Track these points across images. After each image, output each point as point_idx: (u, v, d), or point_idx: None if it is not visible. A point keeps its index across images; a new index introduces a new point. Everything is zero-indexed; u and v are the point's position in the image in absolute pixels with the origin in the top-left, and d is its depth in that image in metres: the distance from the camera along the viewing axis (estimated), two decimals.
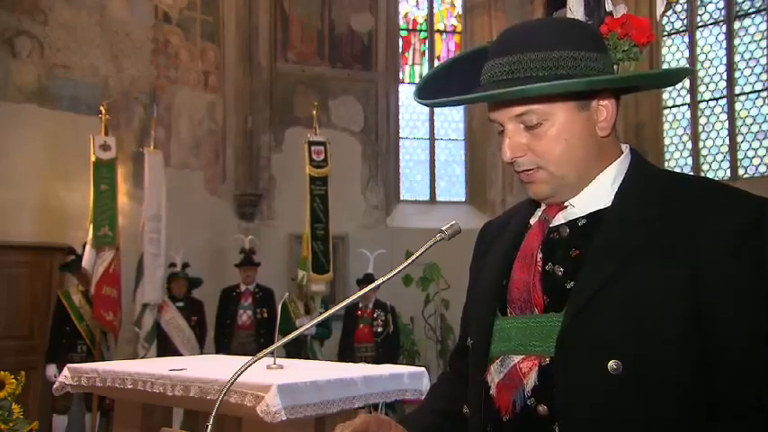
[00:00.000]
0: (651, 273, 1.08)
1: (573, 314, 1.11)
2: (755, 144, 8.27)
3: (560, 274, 1.17)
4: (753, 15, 8.40)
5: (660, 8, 1.36)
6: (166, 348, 6.43)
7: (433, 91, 1.26)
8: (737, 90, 8.44)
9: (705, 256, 1.06)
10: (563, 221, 1.22)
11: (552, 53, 1.13)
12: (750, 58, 8.38)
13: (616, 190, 1.19)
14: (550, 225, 1.24)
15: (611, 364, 1.06)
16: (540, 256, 1.21)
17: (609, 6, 1.25)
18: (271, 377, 3.15)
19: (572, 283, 1.14)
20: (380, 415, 1.28)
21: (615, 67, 1.23)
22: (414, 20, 10.51)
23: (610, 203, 1.18)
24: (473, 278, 1.40)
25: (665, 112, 9.00)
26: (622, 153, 1.24)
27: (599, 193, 1.20)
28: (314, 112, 7.12)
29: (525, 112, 1.16)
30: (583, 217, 1.20)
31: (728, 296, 1.05)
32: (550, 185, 1.20)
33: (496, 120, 1.20)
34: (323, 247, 6.73)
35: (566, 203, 1.23)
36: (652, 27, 1.23)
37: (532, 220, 1.29)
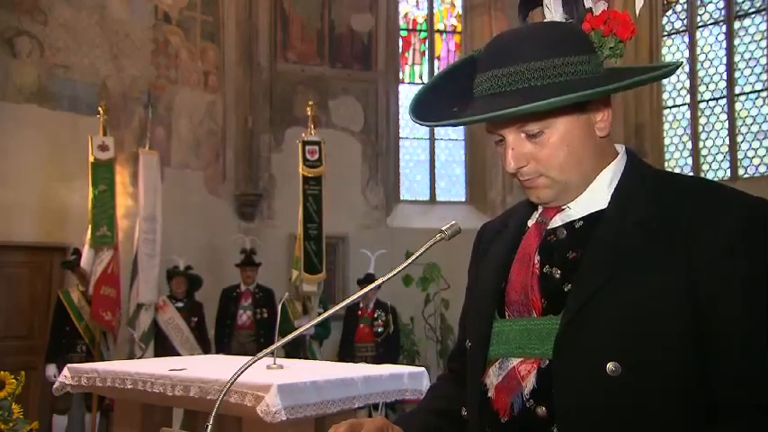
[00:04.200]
0: (648, 274, 1.08)
1: (571, 316, 1.11)
2: (755, 144, 8.27)
3: (558, 276, 1.17)
4: (753, 15, 8.41)
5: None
6: (165, 348, 6.43)
7: (429, 107, 1.24)
8: (737, 90, 8.44)
9: (702, 256, 1.06)
10: (560, 223, 1.22)
11: (546, 62, 1.13)
12: (750, 58, 8.39)
13: (613, 191, 1.19)
14: (548, 227, 1.24)
15: (610, 365, 1.06)
16: (537, 258, 1.21)
17: (588, 3, 1.25)
18: (271, 377, 3.15)
19: (569, 285, 1.14)
20: (379, 418, 1.27)
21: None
22: (414, 20, 10.51)
23: (606, 205, 1.18)
24: (471, 280, 1.40)
25: (665, 112, 9.00)
26: (618, 154, 1.24)
27: (596, 195, 1.20)
28: (309, 111, 7.09)
29: (527, 123, 1.16)
30: (580, 219, 1.20)
31: (726, 297, 1.05)
32: (553, 190, 1.20)
33: (495, 131, 1.20)
34: (315, 248, 6.72)
35: (562, 206, 1.23)
36: (633, 21, 1.22)
37: (530, 222, 1.29)
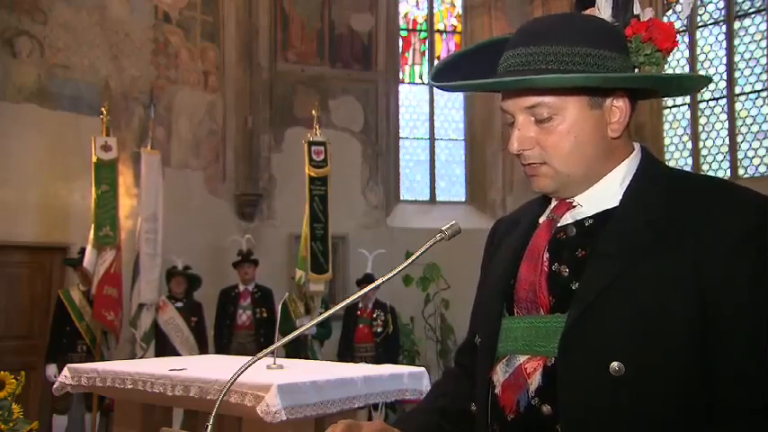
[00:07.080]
0: (656, 274, 1.07)
1: (576, 315, 1.10)
2: (755, 144, 8.27)
3: (566, 274, 1.16)
4: (753, 15, 8.40)
5: (687, 10, 1.34)
6: (165, 348, 6.43)
7: (450, 76, 1.25)
8: (737, 90, 8.44)
9: (709, 257, 1.06)
10: (570, 221, 1.22)
11: (570, 48, 1.13)
12: (750, 58, 8.38)
13: (624, 189, 1.18)
14: (558, 224, 1.23)
15: (614, 365, 1.06)
16: (546, 255, 1.20)
17: (637, 9, 1.24)
18: (271, 377, 3.15)
19: (577, 283, 1.13)
20: (377, 422, 1.27)
21: (636, 70, 1.21)
22: (414, 20, 10.51)
23: (617, 203, 1.18)
24: (483, 275, 1.40)
25: (665, 112, 9.00)
26: (633, 151, 1.23)
27: (607, 193, 1.19)
28: (314, 112, 7.11)
29: (537, 105, 1.15)
30: (590, 217, 1.20)
31: (731, 297, 1.05)
32: (555, 181, 1.19)
33: (508, 110, 1.20)
34: (322, 247, 6.73)
35: (574, 203, 1.22)
36: (677, 33, 1.22)
37: (541, 219, 1.29)
